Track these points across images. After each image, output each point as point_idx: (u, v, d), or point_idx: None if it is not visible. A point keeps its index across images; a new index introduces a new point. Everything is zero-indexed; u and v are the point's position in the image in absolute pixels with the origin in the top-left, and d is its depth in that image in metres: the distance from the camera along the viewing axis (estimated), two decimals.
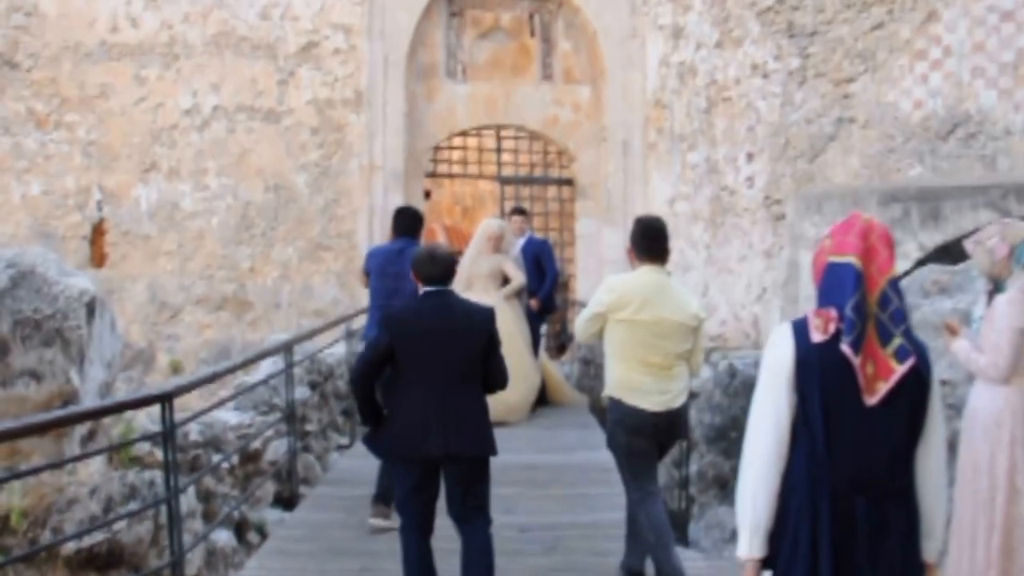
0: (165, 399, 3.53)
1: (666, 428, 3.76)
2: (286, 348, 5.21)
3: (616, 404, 3.78)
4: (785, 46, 10.57)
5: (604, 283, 3.90)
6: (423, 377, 3.43)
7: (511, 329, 7.10)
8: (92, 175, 10.93)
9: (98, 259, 10.85)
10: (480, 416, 3.52)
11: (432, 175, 12.25)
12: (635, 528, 3.87)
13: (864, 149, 10.21)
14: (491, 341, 3.54)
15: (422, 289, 3.58)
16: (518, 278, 7.60)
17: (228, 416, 4.98)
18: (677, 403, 3.75)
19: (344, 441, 6.82)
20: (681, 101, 11.50)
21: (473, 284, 7.42)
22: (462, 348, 3.47)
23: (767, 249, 10.86)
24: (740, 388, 4.68)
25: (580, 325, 3.89)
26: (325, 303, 11.03)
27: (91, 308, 4.26)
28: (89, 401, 4.21)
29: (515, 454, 6.20)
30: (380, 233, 11.06)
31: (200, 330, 10.73)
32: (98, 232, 10.84)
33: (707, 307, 11.57)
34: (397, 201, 11.12)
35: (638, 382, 3.69)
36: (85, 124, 10.96)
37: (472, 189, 22.14)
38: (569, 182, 12.12)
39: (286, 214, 10.97)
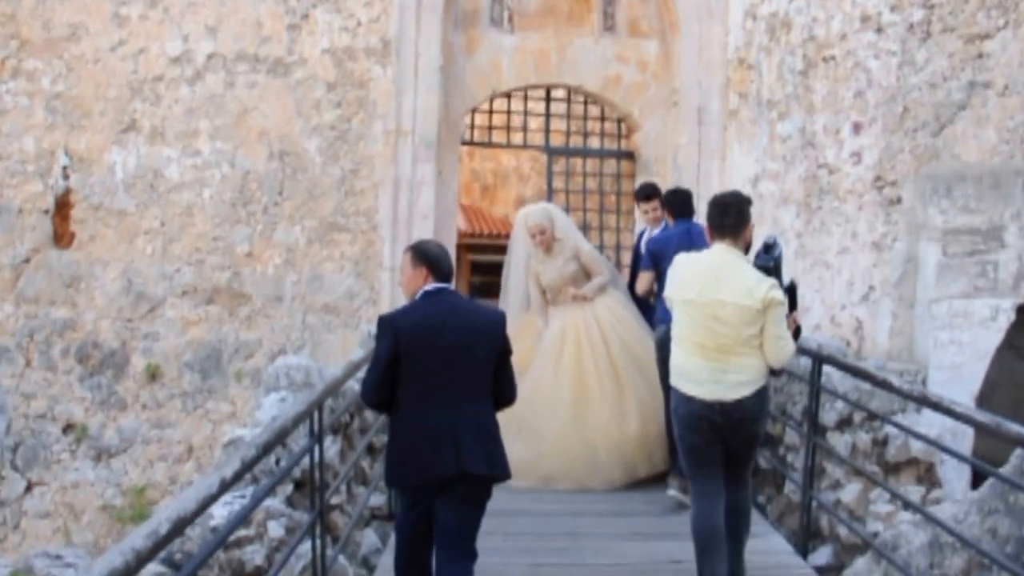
0: None
1: (724, 424, 3.56)
2: (316, 406, 3.22)
3: (673, 392, 3.70)
4: None
5: (673, 262, 3.86)
6: (431, 388, 3.17)
7: (628, 338, 5.60)
8: (57, 135, 9.04)
9: (63, 238, 8.95)
10: (495, 432, 3.27)
11: (468, 143, 10.34)
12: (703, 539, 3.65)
13: (1003, 120, 8.55)
14: (505, 349, 3.34)
15: (425, 287, 3.30)
16: (603, 272, 6.04)
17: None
18: (735, 394, 3.53)
19: (379, 503, 4.89)
20: (771, 60, 9.70)
21: (561, 297, 5.73)
22: (474, 355, 3.22)
23: (876, 240, 9.11)
24: None
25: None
26: (338, 296, 9.16)
27: None
28: None
29: (654, 544, 4.25)
30: (407, 211, 9.17)
31: (185, 327, 8.89)
32: (63, 205, 8.96)
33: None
34: (428, 173, 9.20)
35: (693, 367, 3.58)
36: (50, 73, 9.06)
37: (494, 164, 20.08)
38: (629, 155, 10.23)
39: (294, 187, 9.09)
